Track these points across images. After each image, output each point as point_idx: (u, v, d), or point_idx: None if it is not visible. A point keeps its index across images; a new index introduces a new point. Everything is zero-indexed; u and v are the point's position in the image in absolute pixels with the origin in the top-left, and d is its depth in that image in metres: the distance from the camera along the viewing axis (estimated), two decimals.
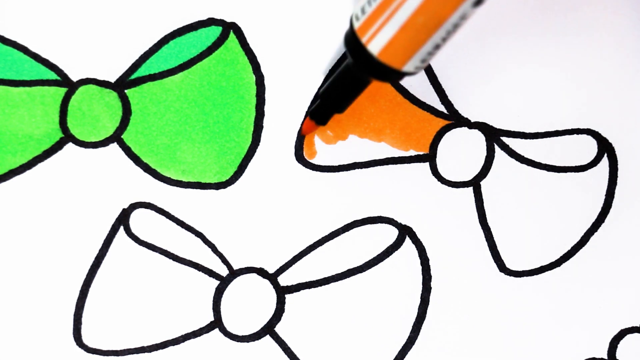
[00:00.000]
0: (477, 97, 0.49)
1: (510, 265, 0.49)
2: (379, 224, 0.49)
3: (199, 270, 0.48)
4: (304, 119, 0.49)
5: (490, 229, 0.49)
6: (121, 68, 0.49)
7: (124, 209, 0.48)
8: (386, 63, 0.43)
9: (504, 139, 0.49)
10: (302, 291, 0.48)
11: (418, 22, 0.41)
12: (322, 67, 0.49)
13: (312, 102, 0.49)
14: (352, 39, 0.44)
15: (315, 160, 0.49)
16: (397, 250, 0.49)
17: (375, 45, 0.43)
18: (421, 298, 0.49)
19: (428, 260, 0.49)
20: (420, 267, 0.49)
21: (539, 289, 0.49)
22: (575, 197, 0.49)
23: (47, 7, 0.48)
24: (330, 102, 0.47)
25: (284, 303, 0.48)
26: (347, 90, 0.46)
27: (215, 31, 0.49)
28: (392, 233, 0.49)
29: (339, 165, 0.49)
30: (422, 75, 0.49)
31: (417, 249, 0.49)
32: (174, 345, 0.48)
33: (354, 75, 0.45)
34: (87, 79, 0.48)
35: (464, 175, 0.49)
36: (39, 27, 0.48)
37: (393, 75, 0.44)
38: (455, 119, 0.49)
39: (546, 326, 0.49)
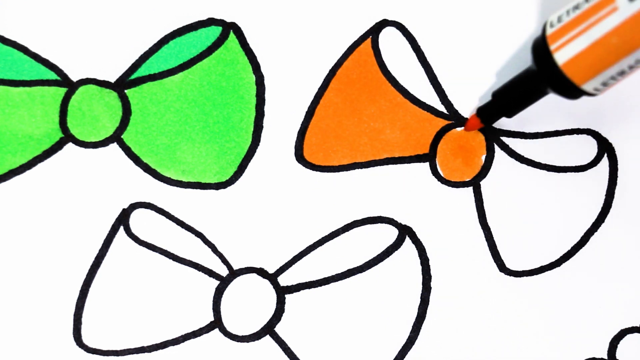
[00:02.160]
0: (477, 97, 0.49)
1: (510, 265, 0.49)
2: (379, 224, 0.49)
3: (199, 270, 0.48)
4: (470, 115, 0.48)
5: (490, 229, 0.49)
6: (121, 68, 0.49)
7: (124, 209, 0.48)
8: (568, 76, 0.43)
9: (504, 139, 0.49)
10: (302, 291, 0.48)
11: (611, 42, 0.41)
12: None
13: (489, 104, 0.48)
14: (540, 44, 0.44)
15: (315, 160, 0.49)
16: (397, 250, 0.49)
17: (561, 56, 0.43)
18: (421, 298, 0.49)
19: (428, 260, 0.49)
20: (420, 267, 0.49)
21: (539, 289, 0.49)
22: (575, 197, 0.49)
23: (47, 7, 0.48)
24: (501, 104, 0.47)
25: (284, 303, 0.48)
26: (522, 96, 0.46)
27: (215, 31, 0.49)
28: (392, 233, 0.49)
29: (339, 166, 0.49)
30: (422, 75, 0.49)
31: (417, 249, 0.49)
32: (174, 345, 0.48)
33: (532, 83, 0.45)
34: (87, 79, 0.48)
35: (464, 175, 0.49)
36: (39, 27, 0.48)
37: (571, 91, 0.43)
38: (455, 119, 0.49)
39: (546, 326, 0.49)
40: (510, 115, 0.47)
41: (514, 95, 0.46)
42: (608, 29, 0.41)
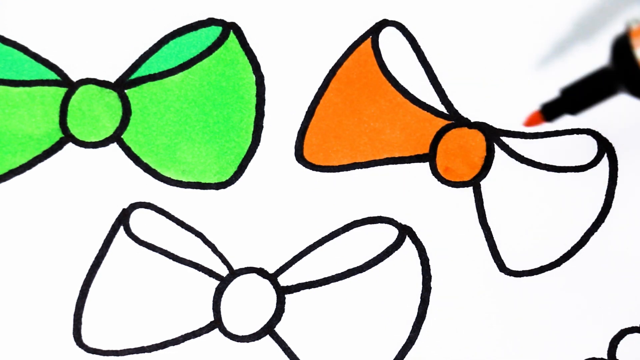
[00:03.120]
0: (477, 97, 0.49)
1: (510, 265, 0.49)
2: (379, 224, 0.49)
3: (199, 270, 0.48)
4: (533, 111, 0.48)
5: (490, 229, 0.49)
6: (121, 68, 0.49)
7: (124, 209, 0.48)
8: None
9: (504, 139, 0.49)
10: (302, 291, 0.48)
11: None
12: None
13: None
14: (622, 41, 0.43)
15: (315, 160, 0.49)
16: (397, 250, 0.49)
17: None
18: (421, 298, 0.49)
19: (428, 260, 0.49)
20: (420, 267, 0.49)
21: (539, 289, 0.49)
22: (575, 197, 0.49)
23: (47, 7, 0.48)
24: (569, 101, 0.46)
25: (284, 303, 0.48)
26: (592, 94, 0.45)
27: (215, 31, 0.49)
28: (392, 233, 0.49)
29: (339, 166, 0.49)
30: (422, 75, 0.49)
31: (417, 249, 0.49)
32: (174, 345, 0.48)
33: (606, 81, 0.45)
34: (87, 79, 0.48)
35: (464, 175, 0.49)
36: (39, 27, 0.48)
37: None
38: (455, 119, 0.49)
39: (546, 326, 0.49)
40: (575, 113, 0.46)
41: (584, 93, 0.46)
42: None
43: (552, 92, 0.50)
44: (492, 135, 0.49)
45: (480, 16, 0.50)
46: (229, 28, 0.49)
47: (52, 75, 0.48)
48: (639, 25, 0.43)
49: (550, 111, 0.46)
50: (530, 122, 0.47)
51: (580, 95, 0.45)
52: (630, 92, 0.44)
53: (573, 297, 0.49)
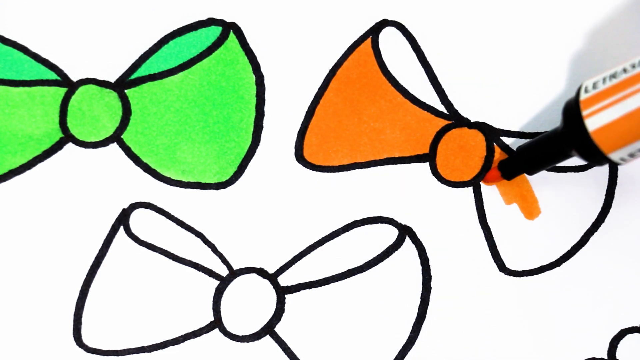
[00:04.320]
0: (477, 97, 0.49)
1: (510, 265, 0.49)
2: (379, 224, 0.49)
3: (199, 270, 0.48)
4: (491, 167, 0.48)
5: (490, 229, 0.49)
6: (121, 68, 0.49)
7: (124, 209, 0.48)
8: (597, 143, 0.43)
9: (504, 139, 0.49)
10: (302, 291, 0.48)
11: None
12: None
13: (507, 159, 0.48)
14: (573, 108, 0.44)
15: (315, 160, 0.49)
16: (397, 250, 0.49)
17: (592, 123, 0.43)
18: (421, 298, 0.49)
19: (428, 260, 0.49)
20: (420, 267, 0.49)
21: (539, 289, 0.49)
22: (575, 197, 0.49)
23: (47, 7, 0.48)
24: (524, 161, 0.47)
25: (284, 303, 0.48)
26: (546, 156, 0.46)
27: (215, 31, 0.49)
28: (392, 233, 0.49)
29: (339, 166, 0.49)
30: (422, 75, 0.49)
31: (417, 249, 0.49)
32: (174, 345, 0.48)
33: (558, 144, 0.45)
34: (87, 79, 0.48)
35: (464, 175, 0.49)
36: (39, 27, 0.48)
37: (597, 157, 0.44)
38: (455, 119, 0.49)
39: (546, 326, 0.49)
40: (530, 173, 0.47)
41: (538, 154, 0.46)
42: None
43: (552, 92, 0.50)
44: (492, 135, 0.49)
45: (480, 16, 0.50)
46: (229, 28, 0.49)
47: (52, 75, 0.48)
48: (588, 95, 0.43)
49: (507, 169, 0.47)
50: (489, 178, 0.48)
51: (535, 156, 0.46)
52: (582, 158, 0.44)
53: (573, 297, 0.49)
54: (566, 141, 0.45)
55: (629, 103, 0.42)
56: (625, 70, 0.43)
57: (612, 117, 0.42)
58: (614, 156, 0.43)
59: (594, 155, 0.44)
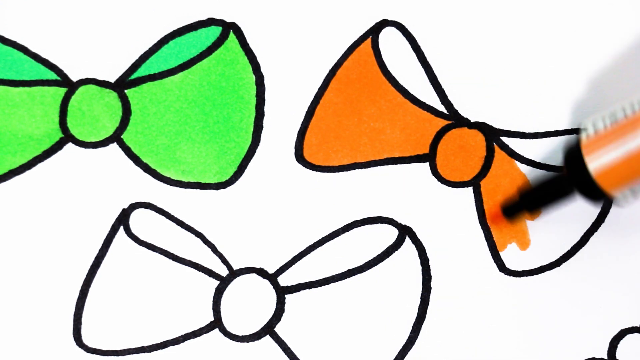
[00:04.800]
0: (477, 97, 0.49)
1: (510, 265, 0.49)
2: (379, 224, 0.49)
3: (199, 270, 0.48)
4: (496, 209, 0.49)
5: (490, 229, 0.49)
6: (121, 68, 0.49)
7: (124, 209, 0.48)
8: (600, 185, 0.43)
9: (504, 139, 0.49)
10: (302, 291, 0.48)
11: None
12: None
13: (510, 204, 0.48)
14: (574, 152, 0.44)
15: (315, 160, 0.49)
16: (397, 250, 0.49)
17: (594, 164, 0.43)
18: (421, 298, 0.49)
19: (428, 260, 0.49)
20: (420, 267, 0.49)
21: (539, 289, 0.49)
22: (575, 197, 0.49)
23: (47, 7, 0.48)
24: (526, 203, 0.47)
25: (284, 303, 0.48)
26: (549, 198, 0.46)
27: (215, 31, 0.49)
28: (392, 233, 0.49)
29: (339, 166, 0.49)
30: (422, 75, 0.49)
31: (417, 249, 0.49)
32: (174, 345, 0.48)
33: (561, 187, 0.45)
34: (87, 79, 0.48)
35: (464, 175, 0.49)
36: (39, 27, 0.48)
37: (599, 197, 0.44)
38: (455, 119, 0.49)
39: (546, 326, 0.49)
40: (532, 213, 0.48)
41: (540, 196, 0.47)
42: None
43: (552, 92, 0.50)
44: (492, 135, 0.49)
45: (480, 16, 0.50)
46: (229, 28, 0.49)
47: (52, 75, 0.48)
48: (589, 139, 0.44)
49: (509, 212, 0.48)
50: (492, 220, 0.49)
51: (537, 198, 0.47)
52: (584, 197, 0.45)
53: (573, 297, 0.49)
54: (568, 183, 0.45)
55: (630, 144, 0.43)
56: (624, 110, 0.44)
57: (613, 158, 0.43)
58: (617, 195, 0.44)
59: (598, 195, 0.44)
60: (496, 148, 0.49)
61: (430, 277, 0.49)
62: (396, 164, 0.49)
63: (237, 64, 0.49)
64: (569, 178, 0.45)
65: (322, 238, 0.49)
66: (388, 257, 0.49)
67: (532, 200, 0.47)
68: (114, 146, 0.48)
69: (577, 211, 0.49)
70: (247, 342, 0.48)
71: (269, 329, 0.48)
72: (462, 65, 0.49)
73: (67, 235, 0.48)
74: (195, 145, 0.48)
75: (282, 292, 0.48)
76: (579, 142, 0.44)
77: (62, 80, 0.48)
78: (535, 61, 0.50)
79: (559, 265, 0.49)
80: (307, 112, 0.49)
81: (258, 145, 0.49)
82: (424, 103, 0.49)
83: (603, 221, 0.49)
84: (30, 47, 0.48)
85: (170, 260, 0.48)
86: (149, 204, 0.48)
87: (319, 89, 0.49)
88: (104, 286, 0.48)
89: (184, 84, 0.49)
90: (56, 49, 0.48)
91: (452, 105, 0.49)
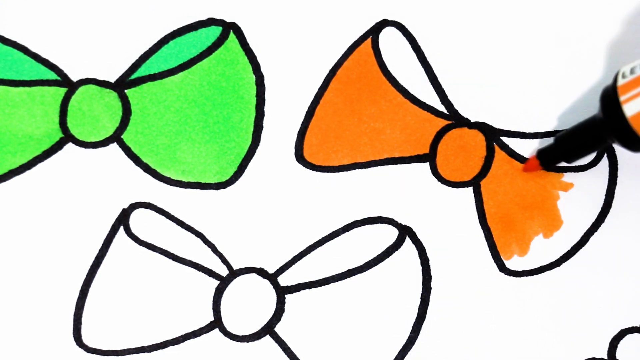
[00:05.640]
0: (477, 97, 0.49)
1: (510, 265, 0.49)
2: (379, 224, 0.49)
3: (199, 270, 0.48)
4: (530, 156, 0.48)
5: (490, 229, 0.49)
6: (121, 68, 0.49)
7: (124, 209, 0.48)
8: (635, 129, 0.43)
9: (504, 139, 0.49)
10: (302, 291, 0.48)
11: None
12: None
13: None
14: (610, 94, 0.44)
15: (315, 160, 0.49)
16: (397, 250, 0.49)
17: (630, 108, 0.43)
18: (421, 298, 0.49)
19: (428, 260, 0.49)
20: (420, 267, 0.49)
21: (539, 289, 0.49)
22: (575, 197, 0.49)
23: (47, 7, 0.48)
24: (562, 149, 0.47)
25: (284, 303, 0.48)
26: (584, 143, 0.46)
27: (215, 31, 0.49)
28: (392, 233, 0.49)
29: (339, 166, 0.49)
30: (422, 75, 0.49)
31: (417, 249, 0.49)
32: (174, 345, 0.48)
33: (597, 132, 0.45)
34: (87, 79, 0.48)
35: (464, 175, 0.49)
36: (39, 27, 0.48)
37: (635, 143, 0.44)
38: (455, 119, 0.49)
39: (546, 326, 0.49)
40: (569, 161, 0.47)
41: (576, 142, 0.46)
42: None
43: (552, 92, 0.50)
44: (492, 135, 0.49)
45: (480, 16, 0.50)
46: (229, 28, 0.49)
47: (52, 75, 0.48)
48: (626, 81, 0.43)
49: (545, 158, 0.47)
50: (528, 167, 0.48)
51: (574, 144, 0.46)
52: (620, 144, 0.44)
53: (573, 297, 0.49)
54: (604, 128, 0.44)
55: None
56: None
57: None
58: None
59: (633, 141, 0.43)
60: (496, 148, 0.49)
61: (430, 277, 0.49)
62: (396, 164, 0.49)
63: (237, 64, 0.49)
64: (604, 123, 0.44)
65: (322, 238, 0.49)
66: (388, 257, 0.49)
67: (567, 146, 0.46)
68: (114, 146, 0.48)
69: (577, 211, 0.49)
70: (247, 342, 0.48)
71: (269, 329, 0.48)
72: (462, 65, 0.49)
73: (68, 235, 0.48)
74: (195, 145, 0.48)
75: (282, 292, 0.48)
76: (616, 85, 0.44)
77: (62, 80, 0.48)
78: (536, 61, 0.50)
79: (559, 265, 0.49)
80: (307, 112, 0.49)
81: (258, 145, 0.49)
82: (424, 103, 0.49)
83: (603, 221, 0.49)
84: (30, 47, 0.48)
85: (171, 260, 0.48)
86: (149, 204, 0.48)
87: (319, 89, 0.49)
88: (104, 286, 0.48)
89: (184, 84, 0.49)
90: (56, 49, 0.48)
91: (452, 105, 0.49)
